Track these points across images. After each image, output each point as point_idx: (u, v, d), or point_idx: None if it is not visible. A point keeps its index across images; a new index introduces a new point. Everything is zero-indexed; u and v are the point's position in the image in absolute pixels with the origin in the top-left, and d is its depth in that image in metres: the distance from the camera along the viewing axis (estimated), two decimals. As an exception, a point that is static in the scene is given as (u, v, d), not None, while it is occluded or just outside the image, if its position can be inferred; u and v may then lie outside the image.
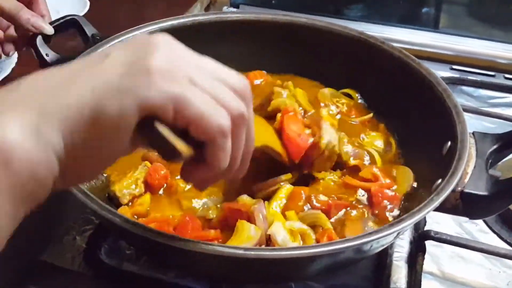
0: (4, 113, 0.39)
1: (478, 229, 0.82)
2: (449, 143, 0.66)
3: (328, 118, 0.78)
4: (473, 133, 0.67)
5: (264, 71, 0.91)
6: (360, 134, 0.80)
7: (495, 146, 0.65)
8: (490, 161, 0.64)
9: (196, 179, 0.49)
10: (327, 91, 0.86)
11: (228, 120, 0.44)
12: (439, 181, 0.60)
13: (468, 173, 0.61)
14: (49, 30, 0.79)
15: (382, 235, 0.52)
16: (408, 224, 0.53)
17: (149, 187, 0.71)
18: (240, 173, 0.51)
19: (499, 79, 1.14)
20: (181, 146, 0.43)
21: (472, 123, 1.02)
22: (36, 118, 0.39)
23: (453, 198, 0.60)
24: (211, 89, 0.44)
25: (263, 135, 0.70)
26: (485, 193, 0.60)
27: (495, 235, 0.81)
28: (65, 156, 0.41)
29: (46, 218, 0.78)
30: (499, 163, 0.73)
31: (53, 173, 0.41)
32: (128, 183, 0.71)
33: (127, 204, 0.69)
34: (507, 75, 1.16)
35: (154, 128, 0.42)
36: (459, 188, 0.60)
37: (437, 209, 0.62)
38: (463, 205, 0.61)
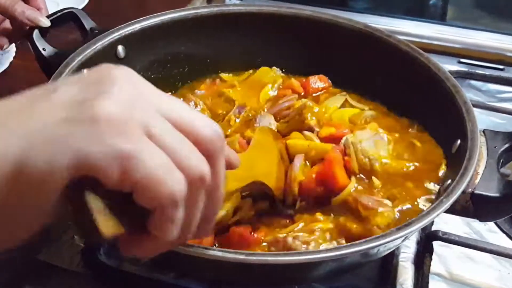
0: None
1: (487, 229, 0.80)
2: (459, 141, 0.64)
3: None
4: (483, 131, 0.65)
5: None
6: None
7: (506, 145, 0.63)
8: (501, 160, 0.62)
9: (141, 249, 0.40)
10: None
11: (183, 186, 0.36)
12: (449, 181, 0.58)
13: (479, 173, 0.59)
14: (45, 23, 0.76)
15: (390, 239, 0.50)
16: (416, 228, 0.52)
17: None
18: (201, 237, 0.44)
19: (508, 73, 1.12)
20: (108, 227, 0.35)
21: (481, 119, 0.99)
22: None
23: (463, 200, 0.58)
24: (170, 144, 0.36)
25: (258, 164, 0.64)
26: (496, 194, 0.58)
27: (504, 235, 0.80)
28: None
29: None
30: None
31: None
32: None
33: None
34: (516, 69, 1.13)
35: (82, 197, 0.35)
36: (470, 190, 0.58)
37: (446, 211, 0.60)
38: (473, 207, 0.58)
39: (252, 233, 0.61)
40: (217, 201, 0.41)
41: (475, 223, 0.81)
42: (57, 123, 0.34)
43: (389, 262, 0.72)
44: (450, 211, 0.59)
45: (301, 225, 0.61)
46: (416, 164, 0.68)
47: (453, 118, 0.67)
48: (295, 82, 0.86)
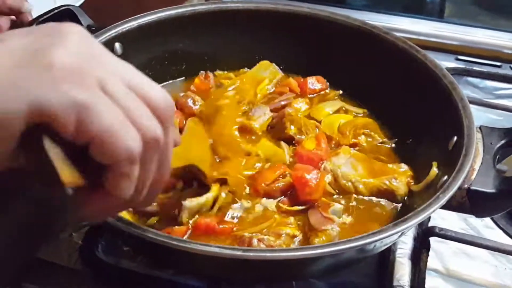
0: None
1: (483, 225, 0.81)
2: (455, 137, 0.64)
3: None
4: (480, 128, 0.65)
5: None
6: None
7: (502, 141, 0.63)
8: (498, 156, 0.63)
9: (92, 208, 0.39)
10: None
11: (138, 143, 0.36)
12: (445, 177, 0.58)
13: (475, 169, 0.60)
14: (28, 8, 0.75)
15: (386, 235, 0.50)
16: (413, 224, 0.52)
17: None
18: (147, 203, 0.43)
19: (505, 70, 1.12)
20: (68, 175, 0.34)
21: (478, 115, 0.99)
22: None
23: (459, 196, 0.58)
24: (124, 101, 0.36)
25: (193, 149, 0.67)
26: (492, 190, 0.58)
27: (500, 231, 0.80)
28: None
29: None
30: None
31: None
32: None
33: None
34: (513, 66, 1.13)
35: (40, 144, 0.34)
36: (466, 186, 0.58)
37: (442, 207, 0.60)
38: (469, 202, 0.59)
39: (220, 224, 0.63)
40: (167, 167, 0.41)
41: (472, 219, 0.81)
42: (10, 69, 0.33)
43: (386, 258, 0.72)
44: (446, 207, 0.60)
45: (268, 224, 0.63)
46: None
47: (450, 115, 0.67)
48: (292, 81, 0.87)
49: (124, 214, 0.64)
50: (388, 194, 0.69)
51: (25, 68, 0.33)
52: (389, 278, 0.70)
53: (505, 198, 0.58)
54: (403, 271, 0.71)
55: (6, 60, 0.33)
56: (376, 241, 0.50)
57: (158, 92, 0.39)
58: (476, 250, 0.75)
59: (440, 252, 0.75)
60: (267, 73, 0.88)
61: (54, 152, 0.34)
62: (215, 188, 0.66)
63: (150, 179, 0.40)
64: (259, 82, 0.87)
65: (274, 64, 0.89)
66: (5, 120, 0.33)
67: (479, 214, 0.62)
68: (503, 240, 0.76)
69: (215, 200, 0.66)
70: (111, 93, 0.35)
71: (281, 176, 0.69)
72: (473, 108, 0.98)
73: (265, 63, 0.89)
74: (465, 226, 0.80)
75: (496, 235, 0.79)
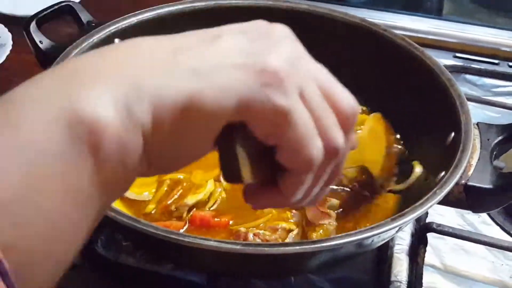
0: (97, 83, 0.33)
1: (480, 221, 0.81)
2: (453, 134, 0.65)
3: None
4: (477, 124, 0.66)
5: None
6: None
7: (500, 137, 0.63)
8: (495, 152, 0.63)
9: (260, 202, 0.44)
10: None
11: (321, 153, 0.38)
12: (442, 173, 0.59)
13: (472, 165, 0.60)
14: None
15: (384, 230, 0.51)
16: (410, 219, 0.52)
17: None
18: (310, 204, 0.45)
19: (503, 67, 1.12)
20: (247, 173, 0.39)
21: (476, 113, 1.00)
22: (129, 94, 0.33)
23: (456, 191, 0.59)
24: (317, 109, 0.37)
25: (367, 151, 0.68)
26: (489, 186, 0.58)
27: (498, 227, 0.80)
28: (152, 142, 0.35)
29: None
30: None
31: (141, 159, 0.35)
32: None
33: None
34: (511, 63, 1.13)
35: (231, 138, 0.37)
36: (463, 181, 0.59)
37: (440, 203, 0.60)
38: (467, 198, 0.59)
39: (215, 218, 0.64)
40: (338, 174, 0.42)
41: (469, 215, 0.82)
42: (230, 67, 0.35)
43: (384, 253, 0.73)
44: (443, 202, 0.60)
45: (265, 220, 0.64)
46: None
47: (447, 111, 0.67)
48: None
49: (119, 205, 0.65)
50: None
51: (243, 69, 0.35)
52: (387, 273, 0.70)
53: (501, 193, 0.58)
54: (400, 266, 0.71)
55: (226, 59, 0.36)
56: (373, 235, 0.51)
57: (348, 100, 0.40)
58: (473, 246, 0.75)
59: (438, 248, 0.76)
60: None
61: (240, 151, 0.38)
62: (211, 183, 0.66)
63: (320, 185, 0.41)
64: None
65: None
66: (216, 115, 0.35)
67: (476, 209, 0.62)
68: (500, 236, 0.77)
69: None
70: (309, 100, 0.37)
71: None
72: (471, 105, 0.99)
73: None
74: (463, 222, 0.81)
75: (493, 231, 0.79)
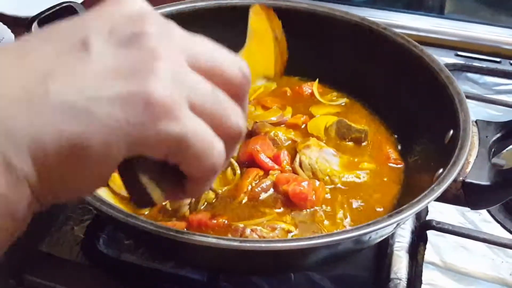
0: None
1: (481, 219, 0.81)
2: (451, 131, 0.65)
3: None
4: (476, 121, 0.66)
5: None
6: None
7: (498, 135, 0.63)
8: (493, 150, 0.63)
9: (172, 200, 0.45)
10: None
11: (223, 155, 0.38)
12: (441, 170, 0.59)
13: (470, 162, 0.60)
14: None
15: (381, 226, 0.51)
16: (407, 215, 0.52)
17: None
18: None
19: (505, 66, 1.12)
20: (158, 196, 0.38)
21: (477, 111, 1.00)
22: (4, 145, 0.31)
23: (454, 188, 0.59)
24: (211, 110, 0.36)
25: (258, 60, 0.68)
26: (487, 183, 0.58)
27: (498, 225, 0.80)
28: (41, 187, 0.33)
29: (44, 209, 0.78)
30: (504, 151, 0.72)
31: (30, 206, 0.34)
32: None
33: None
34: (513, 62, 1.14)
35: (133, 172, 0.37)
36: (461, 178, 0.59)
37: (438, 199, 0.61)
38: (465, 195, 0.59)
39: (213, 219, 0.64)
40: (239, 142, 0.41)
41: (470, 212, 0.82)
42: (110, 100, 0.32)
43: (384, 251, 0.73)
44: (442, 199, 0.60)
45: (265, 220, 0.64)
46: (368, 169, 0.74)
47: (446, 109, 0.68)
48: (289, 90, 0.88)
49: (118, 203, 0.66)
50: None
51: (122, 106, 0.33)
52: (387, 270, 0.71)
53: (499, 190, 0.59)
54: (400, 264, 0.71)
55: (104, 86, 0.33)
56: (371, 232, 0.51)
57: (233, 65, 0.39)
58: (473, 244, 0.76)
59: (438, 246, 0.76)
60: (263, 82, 0.89)
61: (145, 179, 0.37)
62: None
63: (225, 166, 0.42)
64: (255, 90, 0.88)
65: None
66: (107, 157, 0.33)
67: (474, 206, 0.62)
68: (501, 234, 0.77)
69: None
70: (200, 108, 0.36)
71: (257, 178, 0.70)
72: (472, 103, 1.00)
73: None
74: (463, 220, 0.81)
75: (493, 229, 0.79)
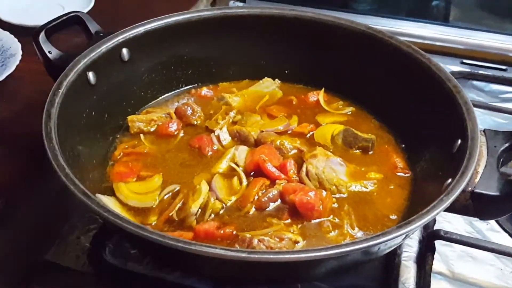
0: None
1: (488, 228, 0.81)
2: (459, 141, 0.65)
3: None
4: (484, 131, 0.66)
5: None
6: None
7: (507, 144, 0.63)
8: (502, 159, 0.63)
9: None
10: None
11: None
12: (449, 180, 0.59)
13: (479, 172, 0.60)
14: None
15: (390, 237, 0.51)
16: (416, 226, 0.52)
17: (158, 133, 0.80)
18: None
19: (511, 73, 1.12)
20: None
21: (483, 119, 1.00)
22: None
23: (463, 199, 0.59)
24: None
25: None
26: (496, 193, 0.58)
27: (506, 234, 0.80)
28: None
29: (50, 218, 0.78)
30: (512, 160, 0.72)
31: None
32: (143, 119, 0.81)
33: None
34: (519, 69, 1.14)
35: None
36: (470, 188, 0.59)
37: (447, 210, 0.60)
38: (473, 205, 0.59)
39: (220, 229, 0.64)
40: None
41: (478, 222, 0.81)
42: None
43: (392, 261, 0.73)
44: (450, 209, 0.60)
45: (272, 230, 0.64)
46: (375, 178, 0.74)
47: (454, 118, 0.67)
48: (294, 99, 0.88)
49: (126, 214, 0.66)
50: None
51: None
52: (395, 281, 0.70)
53: (508, 200, 0.58)
54: (408, 274, 0.71)
55: None
56: (380, 243, 0.51)
57: None
58: (481, 253, 0.75)
59: (446, 255, 0.76)
60: (269, 89, 0.90)
61: None
62: (205, 192, 0.67)
63: None
64: (261, 97, 0.88)
65: (277, 80, 0.91)
66: None
67: (483, 216, 0.62)
68: (509, 244, 0.76)
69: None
70: None
71: (264, 187, 0.70)
72: (478, 111, 1.00)
73: (268, 80, 0.91)
74: (471, 229, 0.80)
75: (501, 238, 0.79)
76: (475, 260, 0.76)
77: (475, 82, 1.11)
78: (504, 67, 1.14)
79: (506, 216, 0.79)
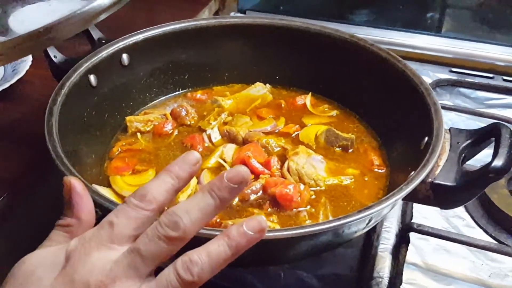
0: None
1: (464, 224, 0.85)
2: (426, 138, 0.70)
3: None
4: (449, 129, 0.70)
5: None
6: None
7: (468, 141, 0.68)
8: (463, 154, 0.67)
9: None
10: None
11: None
12: (412, 172, 0.64)
13: (440, 165, 0.65)
14: None
15: (350, 220, 0.56)
16: (375, 211, 0.57)
17: (154, 132, 0.87)
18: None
19: (497, 81, 1.17)
20: None
21: (468, 123, 1.05)
22: None
23: (424, 189, 0.64)
24: None
25: None
26: (453, 184, 0.63)
27: (481, 230, 0.84)
28: None
29: (50, 215, 0.83)
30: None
31: None
32: (141, 120, 0.87)
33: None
34: (505, 77, 1.18)
35: None
36: (429, 179, 0.63)
37: (410, 199, 0.66)
38: (434, 195, 0.64)
39: None
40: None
41: (454, 218, 0.86)
42: None
43: (369, 252, 0.78)
44: (413, 199, 0.65)
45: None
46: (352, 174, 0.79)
47: (424, 118, 0.73)
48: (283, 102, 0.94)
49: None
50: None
51: None
52: (370, 270, 0.75)
53: (465, 190, 0.63)
54: (383, 264, 0.76)
55: None
56: (344, 224, 0.55)
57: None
58: (455, 247, 0.80)
59: (421, 248, 0.80)
60: (260, 93, 0.96)
61: None
62: (193, 185, 0.73)
63: None
64: (252, 100, 0.94)
65: (268, 84, 0.97)
66: None
67: (443, 206, 0.66)
68: (481, 238, 0.81)
69: None
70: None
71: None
72: (464, 116, 1.04)
73: (259, 84, 0.97)
74: (447, 225, 0.85)
75: (476, 234, 0.83)
76: (449, 253, 0.80)
77: (462, 89, 1.16)
78: (491, 75, 1.19)
79: (480, 212, 0.85)
